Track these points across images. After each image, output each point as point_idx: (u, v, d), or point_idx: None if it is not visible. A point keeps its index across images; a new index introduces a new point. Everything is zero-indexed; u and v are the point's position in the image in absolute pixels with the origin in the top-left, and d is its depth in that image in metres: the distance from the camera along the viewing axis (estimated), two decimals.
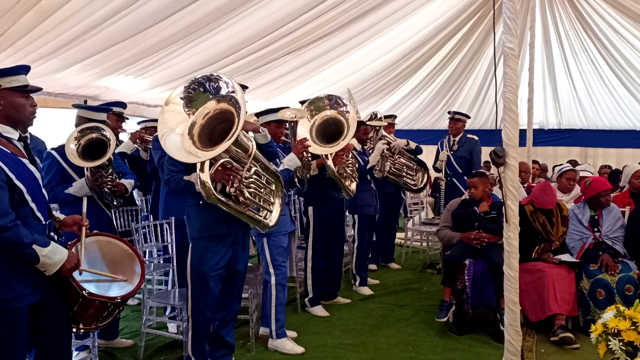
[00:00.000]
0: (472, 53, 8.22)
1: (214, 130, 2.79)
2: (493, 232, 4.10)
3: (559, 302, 3.95)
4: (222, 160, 2.83)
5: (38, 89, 2.40)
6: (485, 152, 6.57)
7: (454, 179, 6.15)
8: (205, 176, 2.79)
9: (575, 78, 8.82)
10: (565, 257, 4.16)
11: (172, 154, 2.71)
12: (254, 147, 3.03)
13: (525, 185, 5.28)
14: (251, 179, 3.03)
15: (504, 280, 3.13)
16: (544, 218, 4.25)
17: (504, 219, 3.08)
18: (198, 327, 3.16)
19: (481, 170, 5.14)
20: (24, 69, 2.35)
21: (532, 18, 7.07)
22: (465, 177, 5.72)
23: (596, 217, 4.22)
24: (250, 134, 3.21)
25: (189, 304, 3.14)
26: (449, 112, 6.36)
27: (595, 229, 4.18)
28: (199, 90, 2.79)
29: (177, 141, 2.70)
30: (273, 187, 3.32)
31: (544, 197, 4.22)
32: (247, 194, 2.97)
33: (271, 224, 3.25)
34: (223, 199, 2.87)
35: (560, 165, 6.00)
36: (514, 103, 3.01)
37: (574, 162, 7.67)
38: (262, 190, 3.16)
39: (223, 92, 2.78)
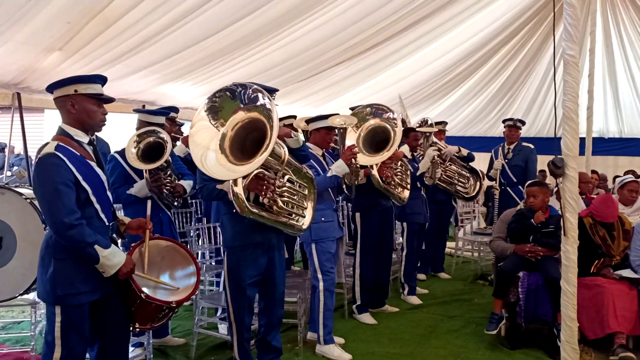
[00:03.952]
0: (528, 58, 8.01)
1: (245, 140, 2.68)
2: (549, 247, 3.97)
3: (619, 319, 3.77)
4: (255, 171, 2.76)
5: (111, 100, 2.52)
6: (541, 161, 6.39)
7: (508, 188, 6.00)
8: (239, 189, 2.74)
9: (638, 84, 8.43)
10: (627, 273, 3.96)
11: (214, 174, 2.58)
12: (287, 153, 2.95)
13: (585, 196, 5.07)
14: (284, 188, 2.98)
15: (561, 296, 3.02)
16: (605, 232, 4.07)
17: (562, 232, 2.97)
18: (240, 332, 3.18)
19: (538, 180, 5.00)
20: (101, 79, 2.47)
21: (592, 23, 6.82)
22: (520, 187, 5.58)
23: None
24: None
25: (229, 310, 3.15)
26: (510, 119, 6.24)
27: None
28: (226, 99, 2.65)
29: (214, 159, 2.60)
30: (306, 192, 3.24)
31: (605, 210, 4.04)
32: (280, 203, 2.93)
33: (304, 227, 3.21)
34: (256, 211, 2.80)
35: (621, 176, 5.74)
36: (574, 112, 2.92)
37: (632, 173, 7.29)
38: (295, 196, 3.10)
39: (252, 99, 2.64)
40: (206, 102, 2.66)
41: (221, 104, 2.65)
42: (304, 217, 3.21)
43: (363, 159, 4.10)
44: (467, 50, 7.26)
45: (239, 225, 3.02)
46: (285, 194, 2.99)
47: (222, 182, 2.88)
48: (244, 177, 2.75)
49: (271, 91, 3.04)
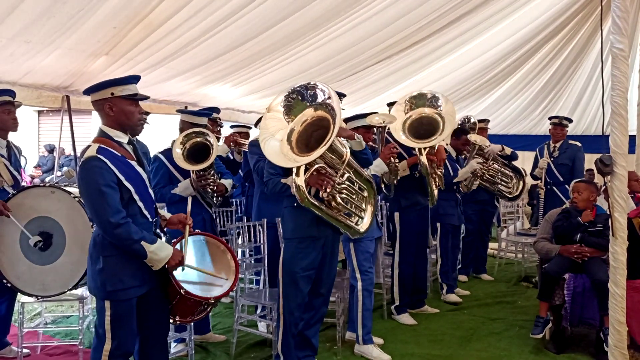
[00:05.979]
0: (575, 54, 7.72)
1: (311, 137, 2.88)
2: (596, 246, 3.84)
3: None
4: (316, 166, 2.91)
5: (146, 97, 2.59)
6: (588, 160, 6.17)
7: (554, 188, 5.84)
8: (300, 180, 2.88)
9: None
10: None
11: (271, 158, 2.83)
12: (348, 153, 3.08)
13: (634, 196, 4.86)
14: (344, 185, 3.09)
15: (609, 299, 2.92)
16: None
17: (610, 232, 2.87)
18: (287, 326, 3.25)
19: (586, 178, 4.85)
20: (135, 79, 2.54)
21: None
22: (567, 186, 5.41)
23: None
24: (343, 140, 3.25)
25: (280, 303, 3.25)
26: (556, 117, 6.09)
27: None
28: (298, 98, 2.90)
29: (276, 146, 2.83)
30: (365, 194, 3.34)
31: None
32: (339, 199, 3.04)
33: (362, 230, 3.28)
34: (316, 202, 2.96)
35: None
36: (623, 108, 2.82)
37: None
38: (354, 196, 3.20)
39: (320, 99, 2.86)
40: (283, 99, 2.92)
41: (294, 102, 2.90)
42: (363, 219, 3.31)
43: (408, 142, 4.08)
44: (510, 47, 7.07)
45: (299, 218, 3.16)
46: (344, 191, 3.10)
47: (287, 176, 3.07)
48: (305, 171, 2.90)
49: (340, 96, 3.26)
